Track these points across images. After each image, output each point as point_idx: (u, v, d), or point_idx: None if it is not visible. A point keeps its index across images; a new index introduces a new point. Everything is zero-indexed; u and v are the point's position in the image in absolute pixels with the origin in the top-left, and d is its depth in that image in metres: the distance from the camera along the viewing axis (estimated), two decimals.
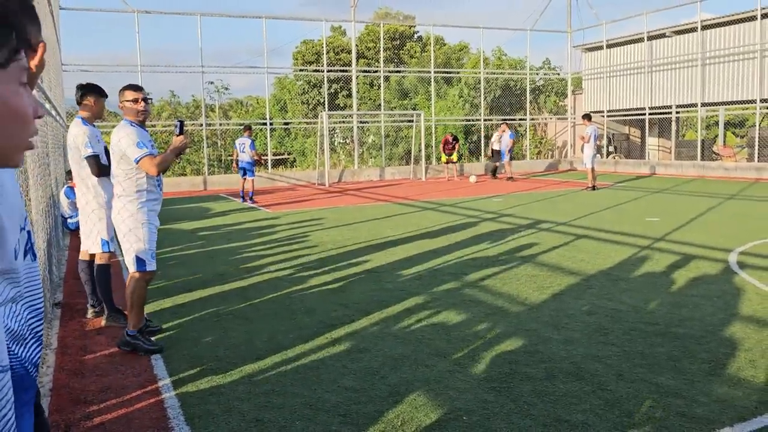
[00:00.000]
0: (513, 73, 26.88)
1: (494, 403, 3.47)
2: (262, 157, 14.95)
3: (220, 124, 26.96)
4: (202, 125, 21.34)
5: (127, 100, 4.46)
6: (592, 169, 16.42)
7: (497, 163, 21.35)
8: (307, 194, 17.17)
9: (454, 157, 20.99)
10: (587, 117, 16.85)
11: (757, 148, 19.68)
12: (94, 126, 5.15)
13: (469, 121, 25.99)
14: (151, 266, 4.49)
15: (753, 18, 20.00)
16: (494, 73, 26.57)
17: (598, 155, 25.83)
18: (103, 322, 5.16)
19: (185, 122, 4.78)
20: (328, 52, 25.56)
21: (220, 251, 8.50)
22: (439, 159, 22.72)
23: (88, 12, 19.32)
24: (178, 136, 4.55)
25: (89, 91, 5.10)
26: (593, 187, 16.40)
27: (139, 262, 4.42)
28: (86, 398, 3.68)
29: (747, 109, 21.59)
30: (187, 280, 6.74)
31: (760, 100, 19.90)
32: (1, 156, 0.95)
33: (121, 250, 4.76)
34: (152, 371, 4.09)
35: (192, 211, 13.50)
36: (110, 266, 5.28)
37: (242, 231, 10.38)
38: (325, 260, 7.65)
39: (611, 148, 26.00)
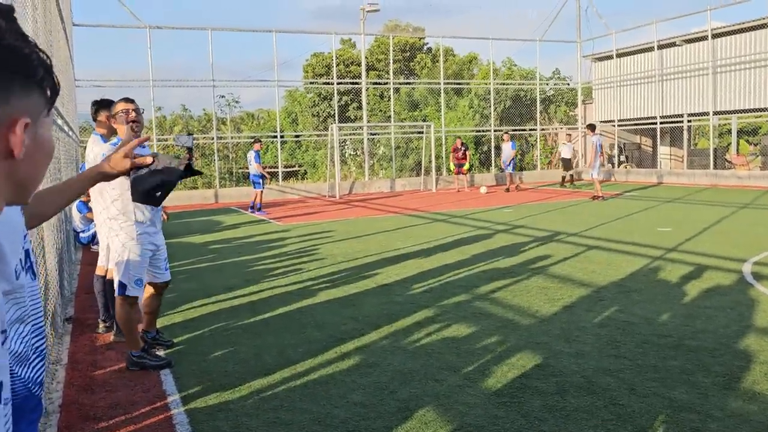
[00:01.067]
0: (523, 84, 26.87)
1: (504, 419, 3.44)
2: (265, 170, 15.38)
3: (232, 138, 27.13)
4: (213, 138, 21.48)
5: (118, 113, 4.38)
6: (600, 180, 16.39)
7: (570, 172, 21.26)
8: (317, 206, 17.20)
9: (466, 167, 20.80)
10: (591, 127, 16.82)
11: None
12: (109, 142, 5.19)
13: (479, 131, 25.98)
14: (132, 291, 4.41)
15: (764, 26, 19.89)
16: (504, 84, 26.57)
17: (610, 165, 25.71)
18: (111, 337, 5.17)
19: (193, 136, 4.79)
20: (338, 65, 25.69)
21: (230, 264, 8.52)
22: (449, 170, 22.50)
23: (101, 28, 19.55)
24: (188, 151, 4.59)
25: (102, 107, 5.13)
26: (602, 197, 16.33)
27: (120, 286, 4.39)
28: (95, 414, 3.68)
29: (760, 117, 21.42)
30: (197, 293, 6.75)
31: None
32: (27, 190, 0.99)
33: None
34: (161, 387, 4.08)
35: (203, 225, 13.55)
36: None
37: (253, 244, 10.40)
38: (335, 273, 7.64)
39: (623, 158, 25.86)
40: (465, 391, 3.85)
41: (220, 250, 9.89)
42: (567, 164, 21.37)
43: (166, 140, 22.89)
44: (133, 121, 4.38)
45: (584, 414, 3.46)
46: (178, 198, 19.51)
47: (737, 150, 23.99)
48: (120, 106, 4.41)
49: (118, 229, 4.39)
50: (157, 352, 4.68)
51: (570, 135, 21.76)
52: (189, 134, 4.71)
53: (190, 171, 4.43)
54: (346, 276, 7.45)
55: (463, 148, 20.44)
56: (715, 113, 21.69)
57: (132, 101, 4.47)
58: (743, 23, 20.88)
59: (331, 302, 6.21)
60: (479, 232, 10.81)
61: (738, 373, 3.99)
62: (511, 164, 20.21)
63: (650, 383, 3.87)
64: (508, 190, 20.28)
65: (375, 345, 4.80)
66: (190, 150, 4.76)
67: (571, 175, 21.33)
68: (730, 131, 24.75)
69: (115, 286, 4.44)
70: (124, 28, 19.51)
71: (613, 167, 25.29)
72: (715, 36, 21.57)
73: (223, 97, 28.81)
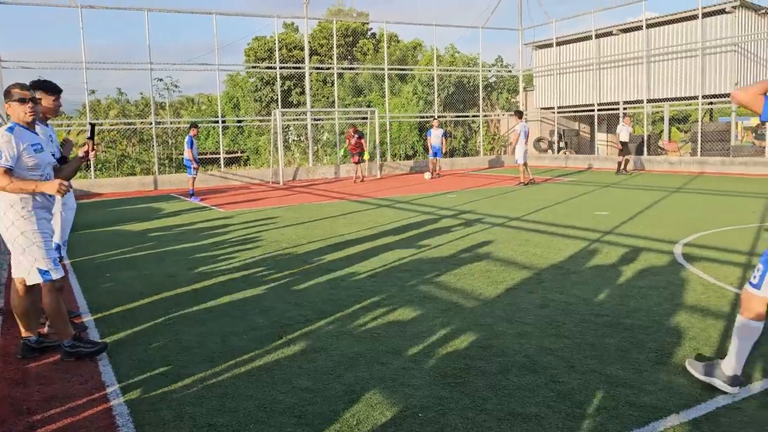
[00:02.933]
0: (466, 71, 27.14)
1: (449, 399, 3.49)
2: (195, 156, 15.04)
3: (171, 123, 26.39)
4: (151, 123, 20.85)
5: (14, 100, 4.17)
6: (525, 165, 16.69)
7: (627, 157, 20.22)
8: (261, 193, 16.96)
9: (366, 156, 20.16)
10: (518, 114, 16.98)
11: (699, 142, 20.39)
12: (46, 125, 4.95)
13: (423, 117, 26.13)
14: (56, 274, 4.23)
15: (695, 17, 20.68)
16: (447, 71, 26.76)
17: (550, 151, 26.35)
18: (45, 328, 4.97)
19: (96, 125, 4.70)
20: (280, 49, 25.29)
21: (171, 252, 8.32)
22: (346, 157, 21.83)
23: (29, 6, 18.58)
24: (88, 139, 4.47)
25: (37, 88, 4.89)
26: (531, 181, 16.78)
27: (43, 273, 4.19)
28: (29, 408, 3.54)
29: (690, 105, 22.33)
30: (136, 282, 6.57)
31: (702, 97, 20.61)
32: None
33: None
34: (100, 378, 3.96)
35: (142, 212, 13.17)
36: None
37: (194, 231, 10.18)
38: (280, 260, 7.57)
39: (562, 144, 26.53)
40: (410, 373, 3.89)
41: (161, 237, 9.64)
42: (625, 148, 20.06)
43: (101, 125, 22.07)
44: (30, 113, 4.17)
45: (526, 392, 3.56)
46: (115, 185, 18.90)
47: (669, 137, 24.97)
48: (16, 94, 4.18)
49: (17, 217, 4.15)
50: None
51: (629, 117, 20.45)
52: (90, 123, 4.61)
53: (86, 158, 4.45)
54: (291, 262, 7.39)
55: (356, 136, 19.39)
56: (649, 101, 22.48)
57: (29, 88, 4.25)
58: (676, 14, 21.67)
59: (275, 289, 6.15)
60: (423, 218, 10.90)
61: (669, 349, 4.18)
62: (440, 151, 20.24)
63: (588, 360, 4.01)
64: (439, 175, 20.56)
65: (320, 330, 4.79)
66: (90, 138, 4.62)
67: (627, 161, 20.25)
68: (662, 118, 25.73)
69: (35, 277, 4.20)
70: (54, 6, 18.62)
71: (554, 153, 25.91)
72: (649, 26, 22.30)
73: (161, 80, 27.97)
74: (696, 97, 20.85)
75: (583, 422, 3.18)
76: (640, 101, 22.64)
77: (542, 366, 3.94)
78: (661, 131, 26.76)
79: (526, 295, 5.63)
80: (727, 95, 20.37)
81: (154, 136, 20.57)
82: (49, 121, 5.15)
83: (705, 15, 20.44)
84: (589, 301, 5.39)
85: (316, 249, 8.20)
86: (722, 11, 20.33)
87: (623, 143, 19.91)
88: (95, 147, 4.38)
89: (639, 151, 22.09)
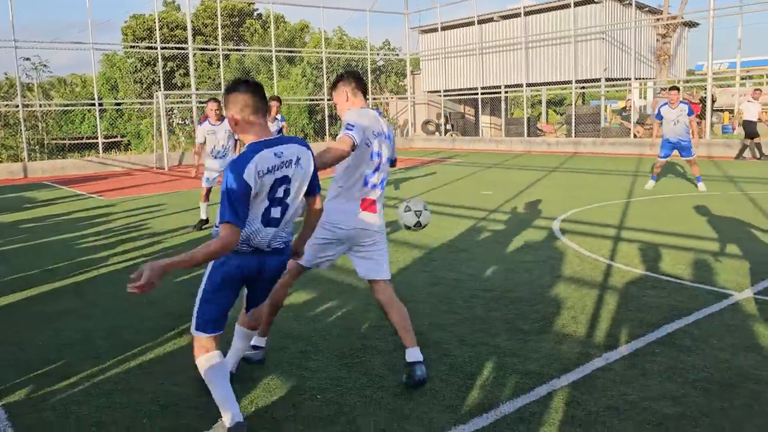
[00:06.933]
0: (354, 53, 27.19)
1: (347, 379, 3.56)
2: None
3: (41, 105, 24.47)
4: (18, 106, 19.24)
5: None
6: None
7: (756, 140, 15.70)
8: (144, 179, 16.19)
9: None
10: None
11: (573, 124, 21.73)
12: None
13: (313, 100, 25.94)
14: None
15: (568, 6, 21.91)
16: (336, 53, 26.68)
17: (438, 133, 27.03)
18: None
19: None
20: (161, 28, 24.11)
21: (48, 244, 7.78)
22: None
23: None
24: None
25: None
26: None
27: None
28: None
29: (565, 89, 23.71)
30: (9, 278, 6.10)
31: (575, 81, 21.94)
32: None
33: None
34: None
35: (11, 202, 12.19)
36: None
37: (73, 221, 9.57)
38: (167, 248, 7.30)
39: (449, 126, 27.31)
40: (308, 356, 3.91)
41: (34, 229, 8.98)
42: (751, 129, 15.58)
43: None
44: None
45: None
46: None
47: (547, 119, 26.39)
48: None
49: None
50: None
51: (760, 90, 16.02)
52: None
53: None
54: (178, 251, 7.14)
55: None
56: (528, 85, 23.63)
57: None
58: (551, 3, 22.83)
59: (165, 279, 5.90)
60: None
61: (551, 319, 4.48)
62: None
63: (477, 334, 4.22)
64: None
65: None
66: None
67: (758, 144, 15.86)
68: (540, 102, 27.14)
69: None
70: None
71: (441, 135, 26.61)
72: (527, 13, 23.36)
73: (28, 59, 25.80)
74: (570, 82, 22.16)
75: (474, 392, 3.36)
76: (520, 85, 23.74)
77: (434, 341, 4.10)
78: (540, 114, 28.24)
79: (419, 274, 5.80)
80: (597, 80, 21.84)
81: (22, 120, 19.01)
82: None
83: (577, 4, 21.71)
84: (477, 277, 5.65)
85: (205, 236, 7.97)
86: (592, 1, 21.68)
87: (750, 123, 15.60)
88: None
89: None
